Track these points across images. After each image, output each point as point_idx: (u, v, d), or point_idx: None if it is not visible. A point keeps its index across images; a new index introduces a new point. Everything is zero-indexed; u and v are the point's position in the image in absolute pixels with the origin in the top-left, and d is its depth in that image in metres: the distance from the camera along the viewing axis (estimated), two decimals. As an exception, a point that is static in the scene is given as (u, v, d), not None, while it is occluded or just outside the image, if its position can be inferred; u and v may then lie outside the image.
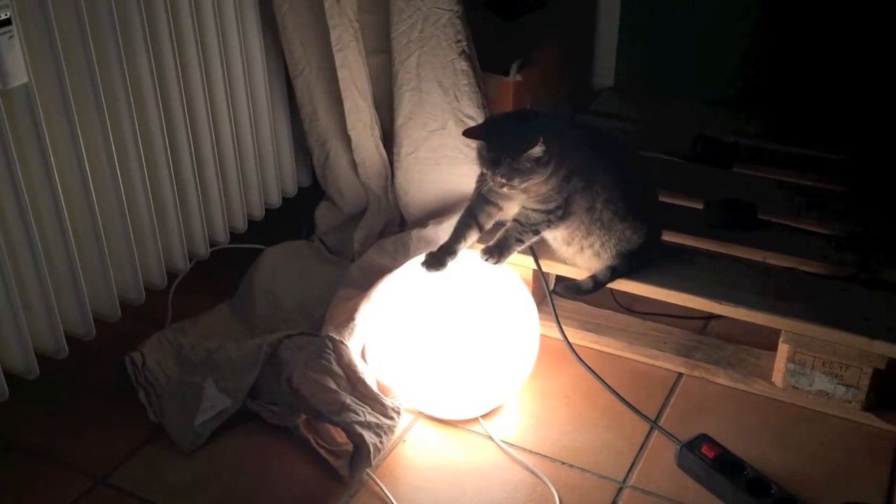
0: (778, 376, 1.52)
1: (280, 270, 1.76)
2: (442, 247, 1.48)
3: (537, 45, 1.96)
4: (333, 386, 1.41)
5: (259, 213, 1.80)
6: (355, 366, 1.45)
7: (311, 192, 1.90)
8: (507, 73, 1.84)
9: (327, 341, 1.46)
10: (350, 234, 1.80)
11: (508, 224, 1.51)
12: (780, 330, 1.49)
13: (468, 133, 1.44)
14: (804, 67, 2.07)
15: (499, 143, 1.38)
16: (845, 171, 1.86)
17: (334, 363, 1.44)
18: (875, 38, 1.96)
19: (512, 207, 1.50)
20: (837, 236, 1.67)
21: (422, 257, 1.46)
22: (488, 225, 1.52)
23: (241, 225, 1.77)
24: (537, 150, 1.36)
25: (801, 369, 1.49)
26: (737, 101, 2.15)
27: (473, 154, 1.64)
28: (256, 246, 1.80)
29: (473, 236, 1.51)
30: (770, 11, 2.07)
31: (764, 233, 1.68)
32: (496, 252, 1.47)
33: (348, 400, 1.40)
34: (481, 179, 1.49)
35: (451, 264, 1.45)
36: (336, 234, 1.84)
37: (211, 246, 1.71)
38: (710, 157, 1.95)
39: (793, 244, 1.65)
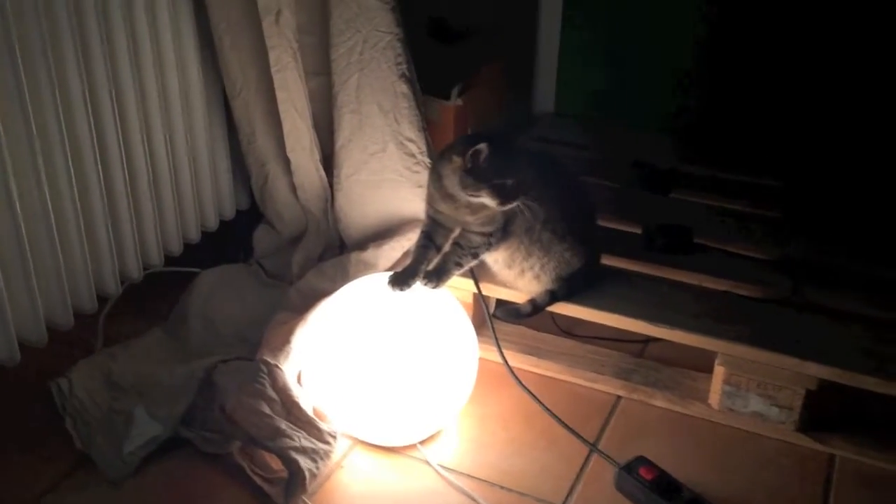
0: (714, 398, 1.53)
1: (216, 294, 1.72)
2: (405, 268, 1.47)
3: (478, 69, 1.97)
4: (268, 411, 1.38)
5: (195, 235, 1.76)
6: (290, 390, 1.43)
7: (250, 215, 1.88)
8: (448, 97, 1.84)
9: (262, 366, 1.43)
10: (289, 257, 1.78)
11: (447, 248, 1.50)
12: (716, 352, 1.51)
13: (468, 148, 1.36)
14: (740, 95, 2.12)
15: (490, 169, 1.35)
16: (778, 197, 1.91)
17: (269, 388, 1.41)
18: (807, 68, 2.02)
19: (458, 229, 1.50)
20: (771, 260, 1.70)
21: (385, 276, 1.45)
22: (445, 245, 1.50)
23: (176, 248, 1.73)
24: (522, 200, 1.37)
25: (737, 391, 1.50)
26: (674, 128, 2.19)
27: (415, 177, 1.66)
28: (192, 269, 1.76)
29: (433, 257, 1.50)
30: (707, 41, 2.12)
31: (700, 257, 1.71)
32: (435, 276, 1.47)
33: (283, 425, 1.37)
34: (431, 203, 1.48)
35: (415, 286, 1.45)
36: (274, 257, 1.81)
37: (144, 269, 1.67)
38: (648, 182, 1.98)
39: (728, 268, 1.67)
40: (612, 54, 2.23)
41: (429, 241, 1.50)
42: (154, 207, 1.64)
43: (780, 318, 1.55)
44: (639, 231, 1.79)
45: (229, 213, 1.84)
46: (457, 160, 1.37)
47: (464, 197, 1.39)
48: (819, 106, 2.03)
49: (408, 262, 1.50)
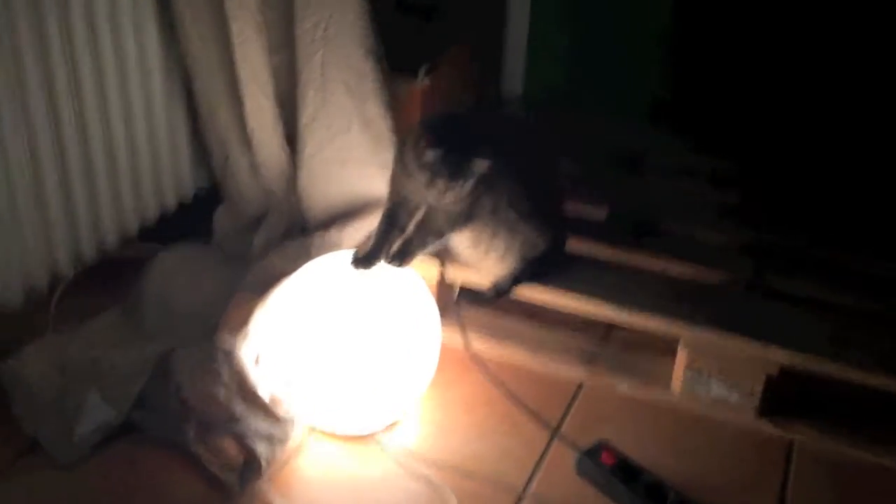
0: (676, 383, 1.53)
1: (174, 275, 1.67)
2: (369, 249, 1.45)
3: (446, 49, 1.93)
4: (223, 396, 1.36)
5: (153, 215, 1.71)
6: (247, 374, 1.40)
7: (211, 195, 1.82)
8: (415, 77, 1.80)
9: (217, 349, 1.40)
10: (250, 237, 1.73)
11: (411, 228, 1.48)
12: (679, 337, 1.50)
13: (431, 130, 1.35)
14: (703, 79, 2.10)
15: (458, 147, 1.33)
16: (740, 181, 1.90)
17: (225, 372, 1.38)
18: (767, 50, 2.01)
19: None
20: (734, 246, 1.70)
21: (349, 255, 1.43)
22: (410, 225, 1.48)
23: (132, 227, 1.67)
24: (484, 168, 1.34)
25: (699, 376, 1.50)
26: (642, 113, 2.18)
27: (379, 156, 1.63)
28: (149, 249, 1.71)
29: (397, 238, 1.47)
30: (675, 25, 2.10)
31: (665, 241, 1.71)
32: (399, 257, 1.45)
33: (239, 410, 1.35)
34: (396, 181, 1.46)
35: (378, 266, 1.42)
36: (235, 237, 1.76)
37: (99, 249, 1.62)
38: (615, 167, 1.97)
39: (692, 253, 1.67)
40: (581, 37, 2.20)
41: (392, 221, 1.47)
42: (109, 186, 1.59)
43: (742, 304, 1.55)
44: (604, 215, 1.78)
45: (189, 193, 1.79)
46: (414, 148, 1.35)
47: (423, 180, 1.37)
48: (780, 89, 2.02)
49: (371, 242, 1.47)
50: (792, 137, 1.99)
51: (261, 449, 1.34)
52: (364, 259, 1.42)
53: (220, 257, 1.74)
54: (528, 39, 2.25)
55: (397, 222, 1.47)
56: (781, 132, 2.00)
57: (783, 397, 1.48)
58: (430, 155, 1.32)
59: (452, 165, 1.32)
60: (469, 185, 1.36)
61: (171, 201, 1.75)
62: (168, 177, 1.72)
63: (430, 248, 1.48)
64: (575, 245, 1.65)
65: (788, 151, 1.97)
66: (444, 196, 1.38)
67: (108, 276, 1.65)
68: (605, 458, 1.35)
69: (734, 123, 2.05)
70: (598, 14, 2.18)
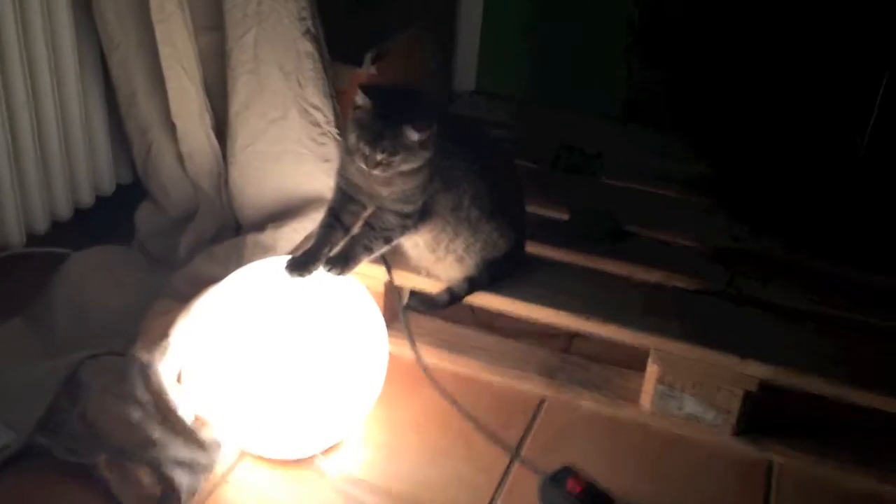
0: (646, 399, 1.43)
1: (89, 279, 1.52)
2: (306, 252, 1.32)
3: (393, 36, 1.80)
4: (137, 417, 1.21)
5: (66, 212, 1.57)
6: (166, 392, 1.25)
7: (133, 190, 1.68)
8: (360, 64, 1.66)
9: (133, 362, 1.24)
10: (176, 239, 1.60)
11: (356, 229, 1.34)
12: (649, 349, 1.40)
13: (365, 89, 1.25)
14: (669, 79, 2.03)
15: (389, 110, 1.22)
16: (710, 183, 1.83)
17: (140, 389, 1.23)
18: (739, 49, 1.95)
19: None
20: (704, 250, 1.61)
21: (283, 261, 1.29)
22: (355, 227, 1.36)
23: (41, 225, 1.53)
24: (424, 133, 1.22)
25: (671, 392, 1.40)
26: (603, 110, 2.09)
27: (320, 149, 1.49)
28: (60, 250, 1.56)
29: (339, 240, 1.35)
30: (642, 21, 2.01)
31: (630, 245, 1.62)
32: (340, 262, 1.31)
33: (156, 434, 1.20)
34: (342, 173, 1.34)
35: (316, 272, 1.30)
36: (160, 238, 1.63)
37: (1, 250, 1.47)
38: (574, 166, 1.88)
39: (660, 257, 1.58)
40: (539, 28, 2.11)
41: (335, 219, 1.35)
42: (13, 178, 1.43)
43: (716, 313, 1.46)
44: (565, 217, 1.68)
45: (108, 188, 1.65)
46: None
47: (369, 153, 1.24)
48: (755, 87, 1.96)
49: (310, 244, 1.34)
50: (768, 137, 1.93)
51: (181, 479, 1.18)
52: (299, 264, 1.27)
53: (142, 261, 1.61)
54: (481, 29, 2.15)
55: (341, 221, 1.34)
56: (757, 131, 1.94)
57: (761, 415, 1.39)
58: (363, 100, 1.21)
59: (384, 130, 1.22)
60: (404, 159, 1.24)
61: (86, 197, 1.61)
62: (83, 170, 1.59)
63: (376, 254, 1.36)
64: (534, 249, 1.55)
65: (764, 152, 1.91)
66: (387, 179, 1.27)
67: (12, 280, 1.51)
68: (571, 486, 1.23)
69: (708, 121, 1.97)
70: (561, 4, 2.07)
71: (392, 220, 1.33)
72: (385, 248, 1.36)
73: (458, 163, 1.34)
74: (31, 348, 1.42)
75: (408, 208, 1.33)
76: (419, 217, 1.34)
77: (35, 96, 1.43)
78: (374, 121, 1.23)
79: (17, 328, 1.46)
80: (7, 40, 1.36)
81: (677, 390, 1.40)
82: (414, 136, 1.23)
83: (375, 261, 1.41)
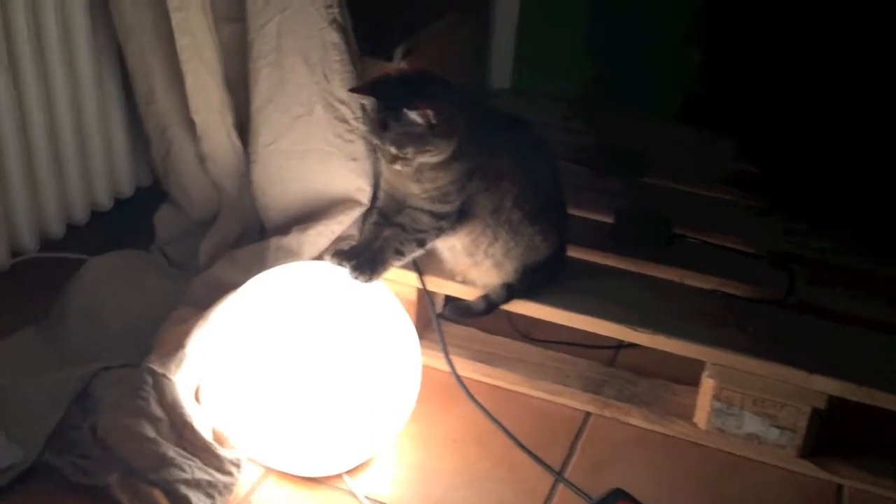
0: (701, 417, 1.33)
1: (105, 286, 1.46)
2: (354, 247, 1.27)
3: (425, 30, 1.71)
4: (152, 434, 1.14)
5: (82, 215, 1.51)
6: (182, 407, 1.18)
7: (153, 193, 1.62)
8: (390, 59, 1.58)
9: (146, 375, 1.16)
10: (198, 243, 1.53)
11: (387, 231, 1.25)
12: (704, 362, 1.31)
13: (356, 89, 1.23)
14: (723, 73, 1.93)
15: (389, 101, 1.16)
16: (766, 185, 1.72)
17: (154, 403, 1.16)
18: (793, 47, 1.85)
19: None
20: (762, 255, 1.51)
21: (345, 265, 1.23)
22: (386, 228, 1.30)
23: (55, 229, 1.47)
24: (425, 114, 1.14)
25: (729, 409, 1.30)
26: (649, 109, 1.99)
27: (347, 147, 1.42)
28: (76, 255, 1.49)
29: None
30: (697, 19, 1.92)
31: (680, 249, 1.52)
32: (368, 267, 1.22)
33: (171, 451, 1.13)
34: (379, 172, 1.30)
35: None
36: (181, 243, 1.56)
37: (14, 255, 1.41)
38: (618, 166, 1.79)
39: (713, 263, 1.48)
40: (579, 22, 2.02)
41: (384, 218, 1.29)
42: (25, 180, 1.37)
43: (777, 322, 1.35)
44: (609, 220, 1.58)
45: (126, 190, 1.60)
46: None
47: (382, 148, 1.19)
48: (806, 86, 1.85)
49: (358, 244, 1.28)
50: (835, 131, 1.81)
51: (198, 500, 1.11)
52: (366, 265, 1.22)
53: (162, 266, 1.54)
54: (518, 23, 2.06)
55: (387, 219, 1.28)
56: (816, 129, 1.82)
57: (831, 434, 1.29)
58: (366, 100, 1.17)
59: (387, 121, 1.16)
60: (419, 149, 1.17)
61: (104, 200, 1.56)
62: (101, 172, 1.53)
63: (408, 258, 1.28)
64: (577, 254, 1.46)
65: (824, 150, 1.79)
66: (416, 176, 1.21)
67: (25, 286, 1.45)
68: (622, 511, 1.12)
69: (764, 119, 1.86)
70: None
71: (426, 220, 1.25)
72: (418, 252, 1.28)
73: (500, 161, 1.26)
74: (44, 359, 1.36)
75: (444, 208, 1.24)
76: (456, 218, 1.26)
77: (48, 92, 1.38)
78: (378, 113, 1.17)
79: (30, 338, 1.40)
80: (18, 34, 1.30)
81: (736, 407, 1.29)
82: (415, 117, 1.14)
83: (406, 266, 1.33)
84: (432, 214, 1.24)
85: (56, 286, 1.45)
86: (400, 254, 1.26)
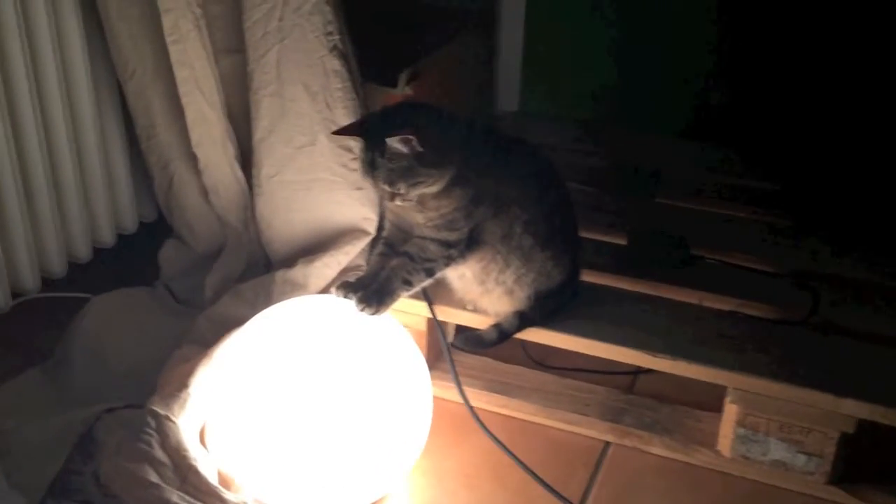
0: (725, 444, 1.28)
1: (110, 325, 1.43)
2: (361, 278, 1.23)
3: (429, 55, 1.69)
4: (155, 478, 1.10)
5: (84, 254, 1.49)
6: (186, 450, 1.14)
7: (158, 228, 1.60)
8: (394, 85, 1.55)
9: (149, 417, 1.13)
10: (204, 277, 1.49)
11: (394, 260, 1.22)
12: (726, 387, 1.26)
13: (340, 131, 1.20)
14: (731, 87, 1.89)
15: (373, 138, 1.13)
16: (785, 202, 1.67)
17: (156, 446, 1.12)
18: (814, 56, 1.81)
19: None
20: (784, 274, 1.45)
21: (351, 297, 1.19)
22: (393, 258, 1.26)
23: (57, 268, 1.44)
24: (408, 140, 1.11)
25: (754, 435, 1.25)
26: (659, 128, 1.95)
27: (352, 176, 1.40)
28: (79, 294, 1.47)
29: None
30: (714, 36, 1.88)
31: (698, 270, 1.47)
32: (375, 299, 1.19)
33: (175, 497, 1.09)
34: (382, 202, 1.29)
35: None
36: (186, 278, 1.53)
37: (15, 296, 1.38)
38: (630, 186, 1.75)
39: (732, 283, 1.43)
40: (587, 43, 1.99)
41: (389, 248, 1.26)
42: (25, 219, 1.35)
43: (802, 344, 1.30)
44: (623, 242, 1.54)
45: (130, 226, 1.57)
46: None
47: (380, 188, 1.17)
48: (823, 100, 1.80)
49: (363, 275, 1.24)
50: (860, 146, 1.76)
51: None
52: (352, 288, 1.19)
53: (167, 303, 1.51)
54: (523, 46, 2.03)
55: (396, 249, 1.25)
56: (835, 142, 1.78)
57: (861, 460, 1.24)
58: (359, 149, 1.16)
59: (374, 158, 1.14)
60: (412, 183, 1.14)
61: (107, 237, 1.53)
62: (103, 208, 1.51)
63: (416, 289, 1.24)
64: (591, 278, 1.42)
65: (854, 163, 1.74)
66: (418, 206, 1.18)
67: (27, 328, 1.42)
68: (647, 548, 1.07)
69: (780, 134, 1.82)
70: (610, 18, 1.94)
71: (434, 249, 1.21)
72: (427, 282, 1.24)
73: (507, 186, 1.23)
74: (48, 401, 1.33)
75: (451, 236, 1.21)
76: (466, 246, 1.22)
77: (47, 129, 1.36)
78: (364, 153, 1.14)
79: (34, 380, 1.37)
80: (15, 72, 1.28)
81: (761, 433, 1.24)
82: (398, 146, 1.11)
83: (415, 295, 1.29)
84: (440, 243, 1.21)
85: (59, 326, 1.41)
86: (408, 284, 1.22)
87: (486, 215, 1.22)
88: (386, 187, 1.14)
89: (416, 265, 1.22)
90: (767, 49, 1.84)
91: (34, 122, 1.32)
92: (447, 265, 1.23)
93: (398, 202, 1.16)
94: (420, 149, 1.11)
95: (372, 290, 1.19)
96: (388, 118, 1.17)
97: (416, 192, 1.15)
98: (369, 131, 1.15)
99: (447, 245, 1.21)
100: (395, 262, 1.23)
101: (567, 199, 1.33)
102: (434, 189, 1.16)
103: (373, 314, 1.17)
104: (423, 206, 1.18)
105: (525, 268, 1.25)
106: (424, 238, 1.21)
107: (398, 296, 1.21)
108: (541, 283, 1.27)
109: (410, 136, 1.10)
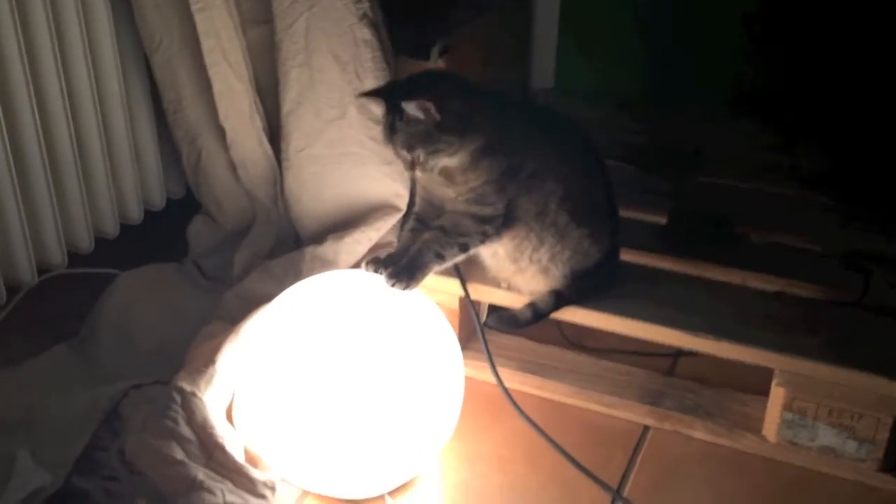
0: (771, 429, 1.23)
1: (137, 302, 1.41)
2: (392, 254, 1.20)
3: (463, 27, 1.64)
4: (180, 456, 1.08)
5: (112, 229, 1.47)
6: (212, 427, 1.12)
7: (186, 204, 1.57)
8: (426, 58, 1.51)
9: (175, 394, 1.11)
10: (232, 254, 1.47)
11: (427, 234, 1.19)
12: (773, 370, 1.21)
13: (365, 94, 1.18)
14: (779, 61, 1.81)
15: (395, 102, 1.11)
16: (834, 180, 1.61)
17: (182, 423, 1.10)
18: (861, 32, 1.72)
19: None
20: (833, 254, 1.40)
21: (381, 272, 1.17)
22: (426, 232, 1.24)
23: (84, 244, 1.42)
24: (425, 106, 1.09)
25: (801, 420, 1.21)
26: (701, 104, 1.89)
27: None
28: (106, 270, 1.45)
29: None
30: (738, 2, 1.81)
31: (743, 250, 1.42)
32: (406, 274, 1.16)
33: (200, 474, 1.07)
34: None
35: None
36: (214, 254, 1.51)
37: (41, 271, 1.36)
38: (669, 163, 1.69)
39: (779, 263, 1.38)
40: (624, 16, 1.93)
41: (421, 224, 1.23)
42: (51, 194, 1.33)
43: (853, 326, 1.25)
44: (664, 220, 1.49)
45: (158, 202, 1.55)
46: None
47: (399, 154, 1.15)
48: (873, 71, 1.72)
49: (395, 251, 1.22)
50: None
51: None
52: (403, 272, 1.15)
53: (196, 279, 1.49)
54: (559, 19, 1.98)
55: (428, 224, 1.22)
56: (886, 118, 1.70)
57: None
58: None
59: (394, 123, 1.12)
60: (432, 151, 1.12)
61: (135, 213, 1.51)
62: (130, 184, 1.48)
63: (448, 264, 1.22)
64: (630, 256, 1.38)
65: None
66: (445, 180, 1.16)
67: (53, 304, 1.40)
68: (689, 535, 1.03)
69: (830, 109, 1.75)
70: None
71: (469, 225, 1.18)
72: (460, 258, 1.21)
73: (542, 160, 1.19)
74: (75, 377, 1.32)
75: (486, 211, 1.18)
76: (501, 223, 1.19)
77: (73, 104, 1.33)
78: (386, 116, 1.13)
79: (60, 356, 1.36)
80: (41, 47, 1.26)
81: (809, 418, 1.20)
82: (414, 111, 1.09)
83: (448, 273, 1.27)
84: (474, 218, 1.17)
85: (85, 302, 1.40)
86: (440, 258, 1.19)
87: (519, 191, 1.19)
88: (404, 152, 1.12)
89: (451, 239, 1.19)
90: (818, 21, 1.78)
91: (60, 96, 1.30)
92: (482, 241, 1.20)
93: (419, 172, 1.14)
94: (438, 116, 1.09)
95: (402, 265, 1.16)
96: (411, 84, 1.16)
97: (435, 161, 1.13)
98: (392, 95, 1.13)
99: (482, 220, 1.18)
100: (427, 235, 1.20)
101: (605, 175, 1.29)
102: (456, 160, 1.13)
103: (404, 289, 1.15)
104: (451, 180, 1.15)
105: (560, 245, 1.22)
106: (458, 213, 1.18)
107: (430, 270, 1.18)
108: (577, 261, 1.23)
109: (428, 103, 1.08)
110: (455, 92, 1.13)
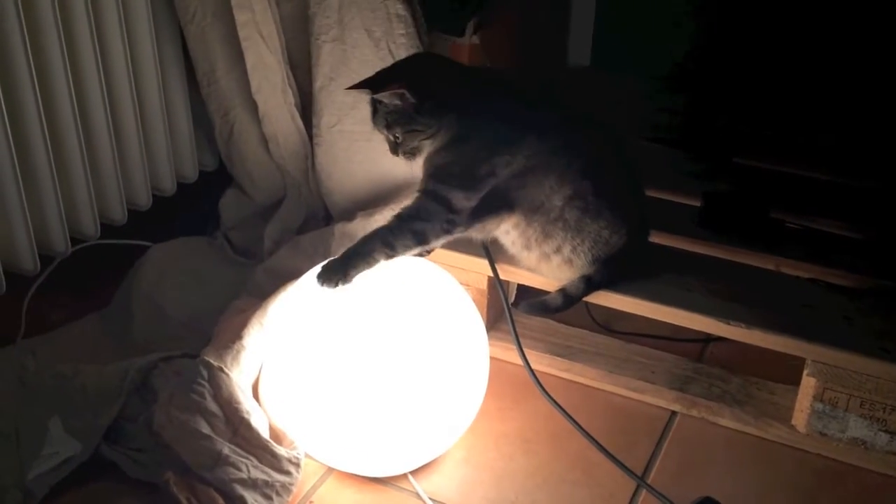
0: (801, 418, 1.21)
1: (169, 274, 1.42)
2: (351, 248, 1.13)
3: (498, 5, 1.62)
4: (206, 430, 1.09)
5: (144, 201, 1.47)
6: (238, 402, 1.12)
7: (218, 177, 1.57)
8: (461, 34, 1.49)
9: (201, 368, 1.11)
10: (262, 229, 1.48)
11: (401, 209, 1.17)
12: (805, 359, 1.19)
13: (354, 86, 1.18)
14: (816, 40, 1.76)
15: (375, 89, 1.14)
16: (872, 165, 1.57)
17: (209, 398, 1.11)
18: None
19: None
20: (871, 241, 1.37)
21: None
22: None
23: (118, 216, 1.43)
24: (397, 93, 1.10)
25: (832, 410, 1.18)
26: (732, 83, 1.84)
27: None
28: (139, 242, 1.46)
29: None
30: None
31: (776, 235, 1.39)
32: (339, 269, 1.07)
33: (226, 449, 1.08)
34: None
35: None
36: (245, 228, 1.52)
37: (74, 242, 1.37)
38: (704, 144, 1.67)
39: (814, 249, 1.35)
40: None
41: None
42: (86, 165, 1.34)
43: (889, 317, 1.21)
44: (697, 203, 1.46)
45: (190, 175, 1.55)
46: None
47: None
48: None
49: None
50: None
51: (254, 499, 1.06)
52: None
53: (227, 253, 1.50)
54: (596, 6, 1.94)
55: None
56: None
57: None
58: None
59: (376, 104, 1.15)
60: (409, 132, 1.13)
61: (168, 185, 1.51)
62: (163, 156, 1.48)
63: (399, 256, 1.12)
64: (661, 240, 1.36)
65: None
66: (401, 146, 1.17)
67: (86, 274, 1.41)
68: (713, 524, 1.02)
69: (857, 96, 1.70)
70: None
71: (433, 208, 1.12)
72: (414, 251, 1.12)
73: (544, 159, 1.16)
74: (106, 347, 1.34)
75: (455, 197, 1.12)
76: (474, 216, 1.15)
77: (107, 74, 1.33)
78: (371, 103, 1.15)
79: (93, 325, 1.38)
80: (77, 18, 1.26)
81: (840, 409, 1.17)
82: (387, 99, 1.11)
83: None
84: (441, 200, 1.12)
85: (118, 273, 1.42)
86: (390, 247, 1.09)
87: (509, 185, 1.15)
88: (385, 132, 1.14)
89: (404, 225, 1.10)
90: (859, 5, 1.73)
91: (95, 67, 1.30)
92: (445, 232, 1.14)
93: (400, 154, 1.15)
94: (413, 100, 1.10)
95: (338, 258, 1.08)
96: (392, 71, 1.18)
97: (412, 143, 1.13)
98: (374, 84, 1.14)
99: (448, 207, 1.12)
100: (386, 222, 1.13)
101: (624, 159, 1.25)
102: (433, 143, 1.14)
103: (334, 288, 1.06)
104: (430, 162, 1.15)
105: (578, 238, 1.19)
106: (425, 192, 1.13)
107: (373, 262, 1.08)
108: (599, 249, 1.21)
109: (400, 89, 1.10)
110: (432, 75, 1.14)
